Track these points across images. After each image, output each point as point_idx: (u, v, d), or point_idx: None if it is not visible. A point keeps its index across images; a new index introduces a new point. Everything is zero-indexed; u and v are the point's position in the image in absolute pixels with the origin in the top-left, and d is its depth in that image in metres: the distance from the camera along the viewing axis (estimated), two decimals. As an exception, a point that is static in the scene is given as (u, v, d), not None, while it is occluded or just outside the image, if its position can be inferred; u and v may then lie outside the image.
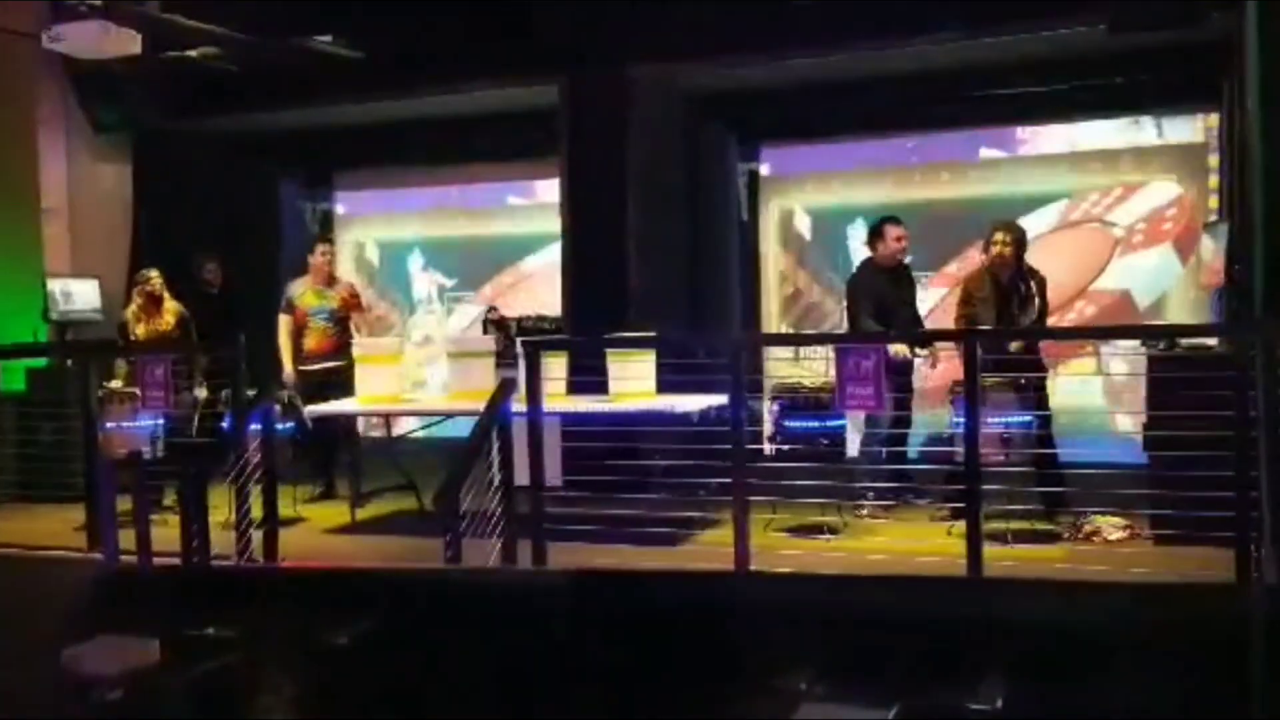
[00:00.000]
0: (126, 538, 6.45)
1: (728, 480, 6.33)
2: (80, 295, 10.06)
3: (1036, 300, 7.46)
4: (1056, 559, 6.61)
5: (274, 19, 9.01)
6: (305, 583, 2.55)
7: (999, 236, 7.57)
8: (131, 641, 2.07)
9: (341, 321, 8.94)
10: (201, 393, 8.53)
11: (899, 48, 8.40)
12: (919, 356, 7.88)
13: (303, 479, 8.58)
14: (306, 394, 8.41)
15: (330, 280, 9.03)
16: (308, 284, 9.00)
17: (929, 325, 8.77)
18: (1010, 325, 7.43)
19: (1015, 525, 6.90)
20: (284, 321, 8.94)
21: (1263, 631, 1.93)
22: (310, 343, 8.86)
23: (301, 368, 8.82)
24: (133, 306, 9.08)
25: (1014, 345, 7.28)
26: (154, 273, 9.03)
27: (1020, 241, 7.59)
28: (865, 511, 7.64)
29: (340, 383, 8.42)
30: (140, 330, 8.95)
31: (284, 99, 9.93)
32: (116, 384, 8.39)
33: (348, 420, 8.63)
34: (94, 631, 2.15)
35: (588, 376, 7.61)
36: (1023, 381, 7.10)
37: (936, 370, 8.01)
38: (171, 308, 9.02)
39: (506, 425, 6.50)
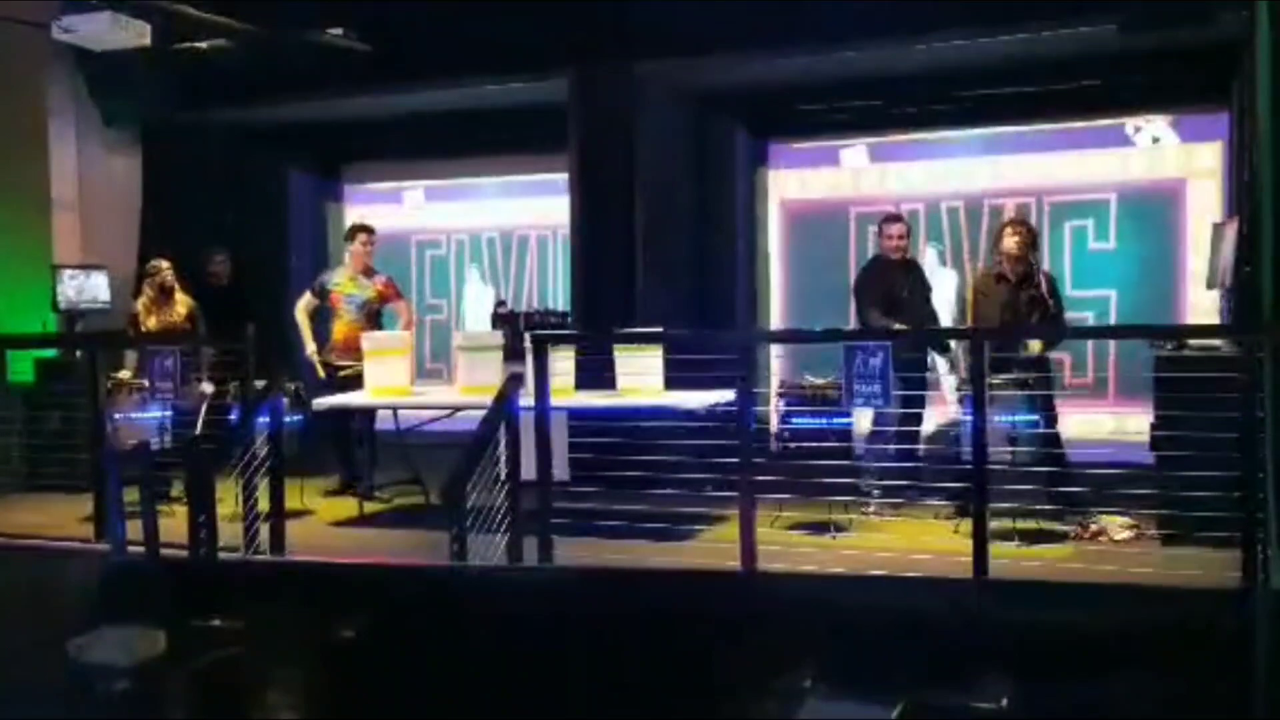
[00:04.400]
0: (134, 529, 6.47)
1: (734, 477, 6.33)
2: (89, 286, 10.07)
3: (1050, 301, 7.45)
4: (1063, 559, 6.60)
5: (283, 11, 9.01)
6: (312, 578, 2.56)
7: (1007, 233, 7.59)
8: (138, 633, 2.07)
9: (372, 316, 8.88)
10: (208, 388, 8.53)
11: (909, 45, 8.39)
12: (942, 360, 7.88)
13: (323, 471, 8.61)
14: (329, 383, 8.43)
15: (368, 271, 8.99)
16: (345, 272, 9.01)
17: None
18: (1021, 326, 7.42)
19: (1021, 525, 6.89)
20: (304, 300, 8.98)
21: (1268, 636, 1.93)
22: (338, 333, 8.78)
23: (325, 359, 8.80)
24: (144, 298, 9.08)
25: (1034, 346, 7.29)
26: (165, 263, 9.03)
27: (1030, 237, 7.58)
28: (871, 509, 7.63)
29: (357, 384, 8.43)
30: (151, 322, 8.96)
31: (293, 92, 9.93)
32: (125, 374, 8.41)
33: (363, 413, 8.59)
34: (101, 622, 2.16)
35: (595, 372, 7.61)
36: (1030, 381, 7.10)
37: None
38: (183, 300, 9.03)
39: (514, 420, 6.52)
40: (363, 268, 8.95)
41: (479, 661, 1.79)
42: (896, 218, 8.30)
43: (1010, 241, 7.53)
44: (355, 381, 8.42)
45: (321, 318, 9.07)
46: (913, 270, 8.24)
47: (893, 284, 8.03)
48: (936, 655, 1.77)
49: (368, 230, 9.11)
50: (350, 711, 1.67)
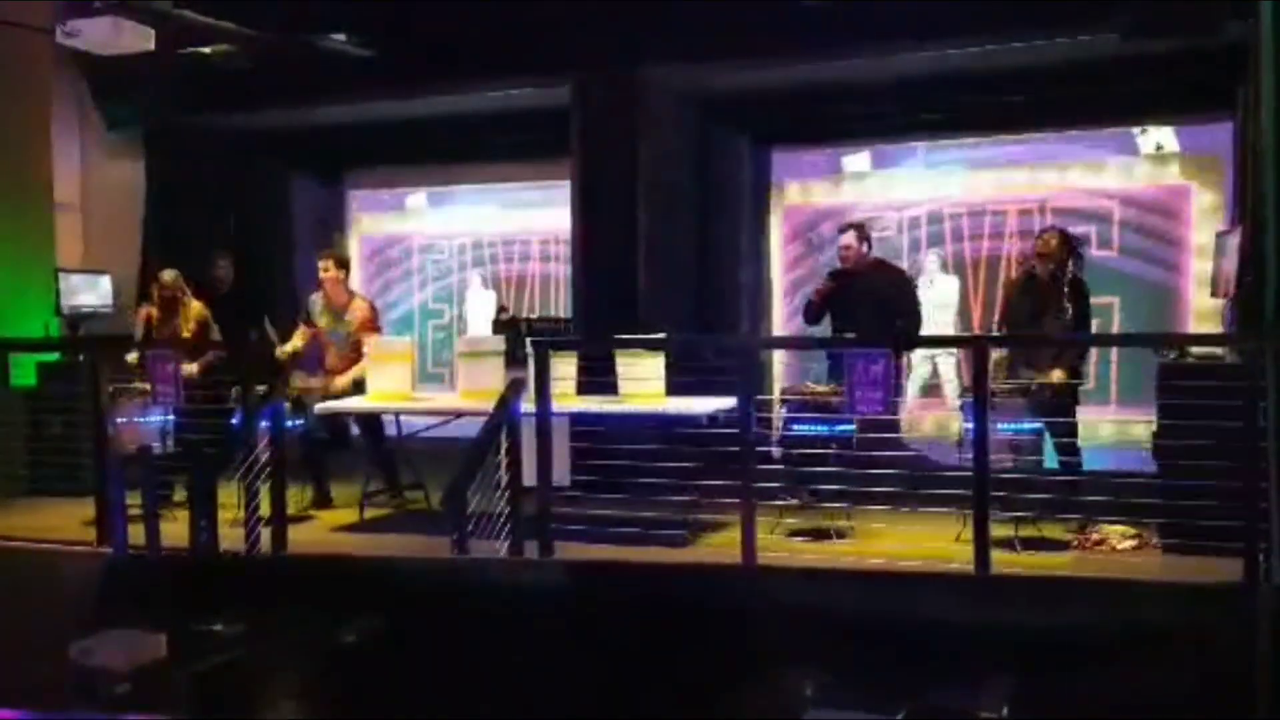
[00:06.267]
0: (136, 532, 6.47)
1: (735, 483, 6.33)
2: (92, 290, 10.08)
3: (1069, 308, 7.40)
4: (1064, 567, 6.60)
5: (287, 17, 9.02)
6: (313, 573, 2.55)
7: (1039, 239, 7.63)
8: (141, 633, 2.07)
9: (357, 346, 8.58)
10: (191, 368, 8.50)
11: (912, 52, 8.39)
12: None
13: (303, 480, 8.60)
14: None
15: (342, 299, 8.65)
16: (321, 302, 8.70)
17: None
18: (1042, 329, 7.39)
19: (1023, 532, 6.88)
20: (300, 331, 8.74)
21: (1269, 634, 1.92)
22: (330, 362, 8.68)
23: (319, 386, 8.68)
24: (151, 308, 9.07)
25: (1055, 376, 7.24)
26: (166, 275, 8.95)
27: (1061, 245, 7.55)
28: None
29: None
30: (156, 332, 8.95)
31: (296, 97, 9.94)
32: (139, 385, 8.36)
33: (372, 419, 8.54)
34: (103, 625, 2.16)
35: (597, 377, 7.61)
36: (1033, 388, 7.09)
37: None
38: (191, 313, 8.90)
39: (515, 425, 6.51)
40: (337, 301, 8.64)
41: (480, 658, 1.79)
42: (847, 227, 8.30)
43: (1050, 241, 7.55)
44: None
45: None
46: (868, 278, 8.14)
47: (842, 293, 8.02)
48: (937, 657, 1.76)
49: (328, 259, 8.74)
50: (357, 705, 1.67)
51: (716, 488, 6.79)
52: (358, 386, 8.34)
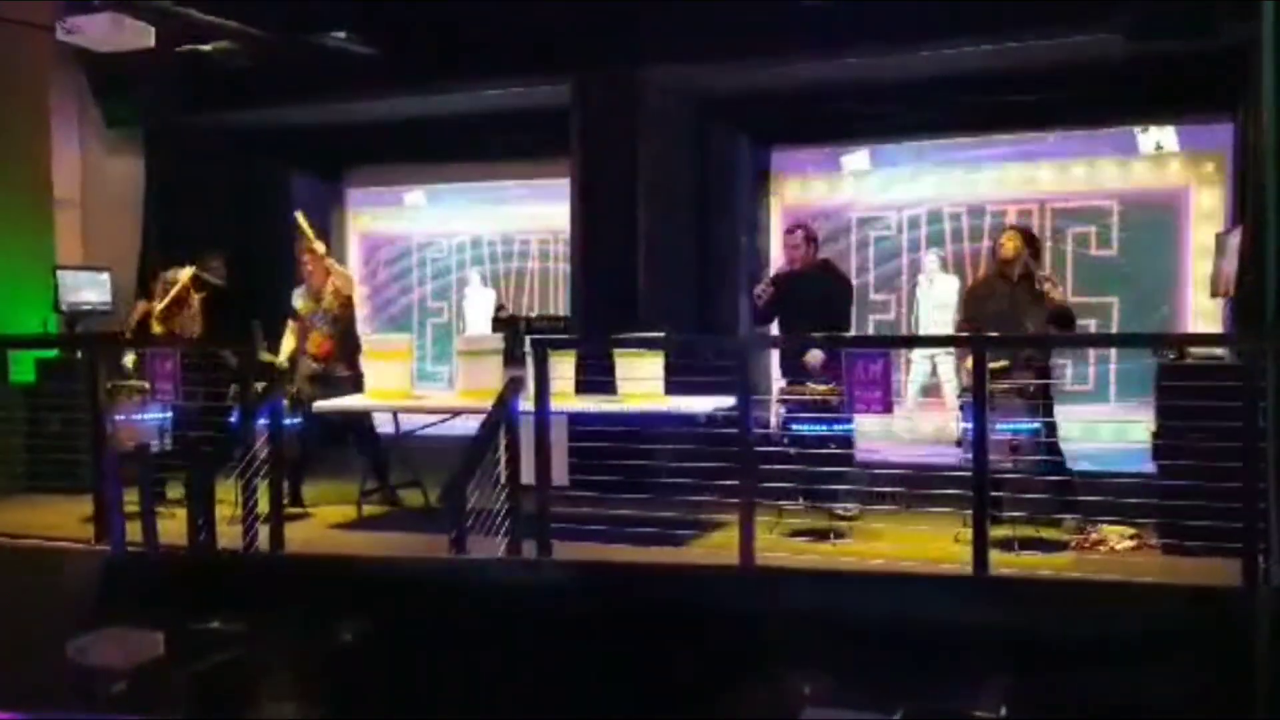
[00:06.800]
0: (134, 530, 6.47)
1: (733, 482, 6.32)
2: (91, 287, 10.07)
3: (1046, 303, 7.39)
4: (1063, 568, 6.59)
5: (287, 15, 9.02)
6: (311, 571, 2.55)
7: (1002, 238, 7.62)
8: (138, 631, 2.07)
9: (338, 322, 8.67)
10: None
11: (911, 52, 8.39)
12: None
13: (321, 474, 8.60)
14: (312, 396, 8.37)
15: (320, 280, 8.67)
16: (300, 293, 8.79)
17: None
18: (1016, 329, 7.37)
19: (1022, 533, 6.88)
20: (289, 327, 8.79)
21: (1268, 635, 1.92)
22: (312, 347, 8.66)
23: (309, 371, 8.71)
24: (159, 305, 9.04)
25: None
26: (183, 274, 8.93)
27: (1027, 243, 7.56)
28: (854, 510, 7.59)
29: (347, 390, 8.35)
30: (158, 328, 8.93)
31: (296, 95, 9.93)
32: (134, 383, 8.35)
33: (364, 417, 8.55)
34: (100, 623, 2.16)
35: (596, 376, 7.60)
36: (1031, 390, 7.09)
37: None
38: (194, 309, 8.92)
39: (514, 424, 6.51)
40: (315, 285, 8.68)
41: (476, 657, 1.79)
42: (795, 227, 8.28)
43: (1007, 246, 7.53)
44: (340, 383, 8.40)
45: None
46: (813, 279, 8.11)
47: (787, 291, 7.99)
48: (934, 658, 1.76)
49: (306, 250, 8.76)
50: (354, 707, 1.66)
51: (715, 487, 6.79)
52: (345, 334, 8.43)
